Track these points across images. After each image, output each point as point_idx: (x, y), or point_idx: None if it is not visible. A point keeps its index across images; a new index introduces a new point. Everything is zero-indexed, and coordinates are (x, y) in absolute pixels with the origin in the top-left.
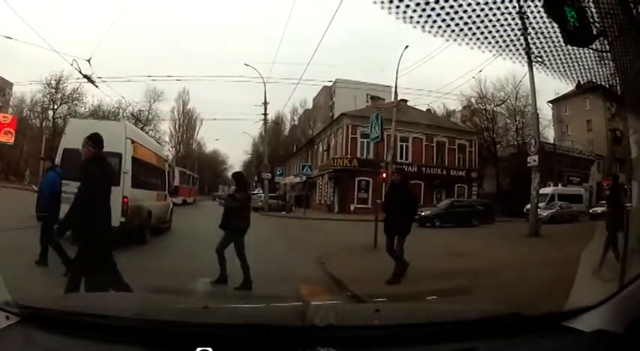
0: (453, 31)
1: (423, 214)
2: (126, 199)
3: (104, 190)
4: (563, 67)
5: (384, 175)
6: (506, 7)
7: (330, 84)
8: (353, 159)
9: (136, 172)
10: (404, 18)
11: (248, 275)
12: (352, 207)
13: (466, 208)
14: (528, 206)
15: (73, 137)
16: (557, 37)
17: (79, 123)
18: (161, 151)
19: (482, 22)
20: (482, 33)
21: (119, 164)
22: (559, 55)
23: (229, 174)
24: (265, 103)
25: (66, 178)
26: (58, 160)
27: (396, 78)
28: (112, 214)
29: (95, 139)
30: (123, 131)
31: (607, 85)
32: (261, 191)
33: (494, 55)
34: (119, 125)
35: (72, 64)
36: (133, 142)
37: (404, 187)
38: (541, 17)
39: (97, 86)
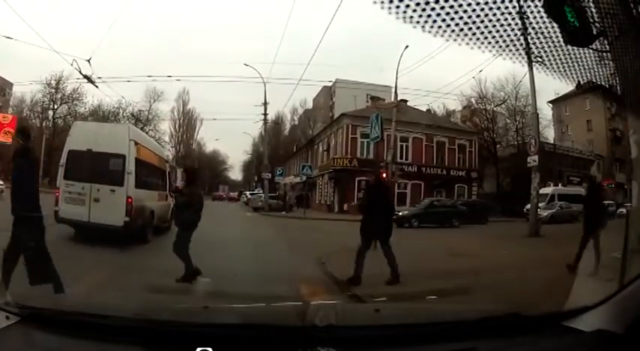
0: (453, 31)
1: (400, 214)
2: (130, 199)
3: (32, 181)
4: (563, 67)
5: (384, 175)
6: (506, 7)
7: (330, 84)
8: (353, 159)
9: (139, 172)
10: (404, 18)
11: (190, 265)
12: (345, 206)
13: (446, 208)
14: (528, 206)
15: (78, 139)
16: (557, 37)
17: (83, 125)
18: (162, 152)
19: (482, 22)
20: (482, 33)
21: (123, 165)
22: (559, 55)
23: (230, 174)
24: (265, 103)
25: (71, 178)
26: (63, 161)
27: (396, 78)
28: (116, 213)
29: (23, 132)
30: (126, 133)
31: (607, 85)
32: (261, 191)
33: (494, 55)
34: (123, 127)
35: (72, 64)
36: (136, 143)
37: (380, 188)
38: (541, 17)
39: (97, 86)
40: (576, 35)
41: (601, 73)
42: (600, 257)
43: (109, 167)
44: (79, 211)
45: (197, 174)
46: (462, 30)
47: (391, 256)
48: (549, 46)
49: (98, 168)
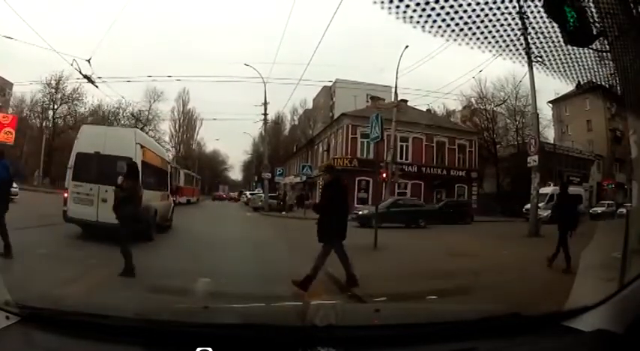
0: (453, 31)
1: (360, 213)
2: None
3: None
4: (563, 67)
5: (384, 175)
6: (506, 7)
7: (330, 84)
8: (353, 159)
9: (144, 174)
10: (404, 18)
11: (129, 262)
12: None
13: (411, 207)
14: (528, 206)
15: (86, 142)
16: (557, 37)
17: (91, 129)
18: (164, 154)
19: (482, 22)
20: (482, 33)
21: None
22: (559, 55)
23: (230, 174)
24: (265, 103)
25: (79, 179)
26: (71, 163)
27: (396, 78)
28: None
29: None
30: (133, 137)
31: (607, 85)
32: (261, 191)
33: (494, 55)
34: (130, 132)
35: (72, 64)
36: (142, 147)
37: (336, 186)
38: (541, 17)
39: (97, 86)
40: (576, 35)
41: (601, 73)
42: (558, 253)
43: (117, 169)
44: (87, 211)
45: (137, 169)
46: (462, 30)
47: (346, 257)
48: (549, 46)
49: (106, 170)
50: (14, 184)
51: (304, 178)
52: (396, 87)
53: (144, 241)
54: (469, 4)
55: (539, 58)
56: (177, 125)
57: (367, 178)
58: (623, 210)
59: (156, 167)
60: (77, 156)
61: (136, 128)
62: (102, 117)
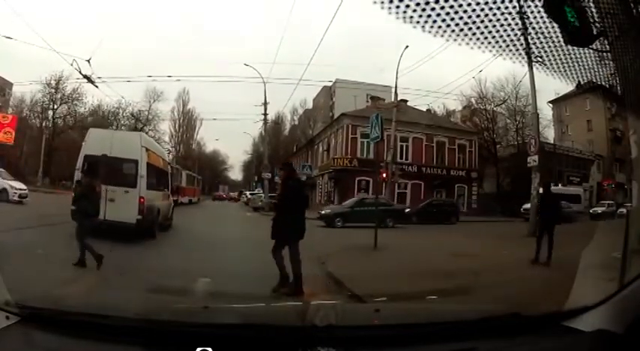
0: (453, 31)
1: (323, 212)
2: (142, 200)
3: None
4: (563, 67)
5: (384, 175)
6: (506, 7)
7: (330, 84)
8: (353, 159)
9: (149, 175)
10: (404, 18)
11: (83, 253)
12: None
13: (378, 206)
14: (526, 206)
15: (93, 145)
16: (557, 37)
17: (98, 132)
18: (165, 155)
19: (482, 22)
20: (482, 33)
21: (136, 169)
22: (559, 55)
23: (230, 174)
24: (265, 103)
25: None
26: (79, 165)
27: (396, 78)
28: (130, 212)
29: None
30: (139, 141)
31: (607, 85)
32: (261, 191)
33: (494, 55)
34: (135, 135)
35: (72, 64)
36: (147, 150)
37: (293, 183)
38: (541, 17)
39: (96, 86)
40: (576, 35)
41: (601, 73)
42: (552, 250)
43: (123, 171)
44: None
45: (96, 167)
46: (462, 30)
47: (297, 260)
48: (549, 46)
49: (113, 171)
50: (24, 187)
51: (304, 177)
52: (396, 87)
53: (147, 238)
54: (469, 4)
55: (539, 58)
56: (177, 125)
57: (367, 178)
58: (623, 210)
59: (159, 168)
60: (85, 158)
61: (141, 132)
62: (102, 117)
